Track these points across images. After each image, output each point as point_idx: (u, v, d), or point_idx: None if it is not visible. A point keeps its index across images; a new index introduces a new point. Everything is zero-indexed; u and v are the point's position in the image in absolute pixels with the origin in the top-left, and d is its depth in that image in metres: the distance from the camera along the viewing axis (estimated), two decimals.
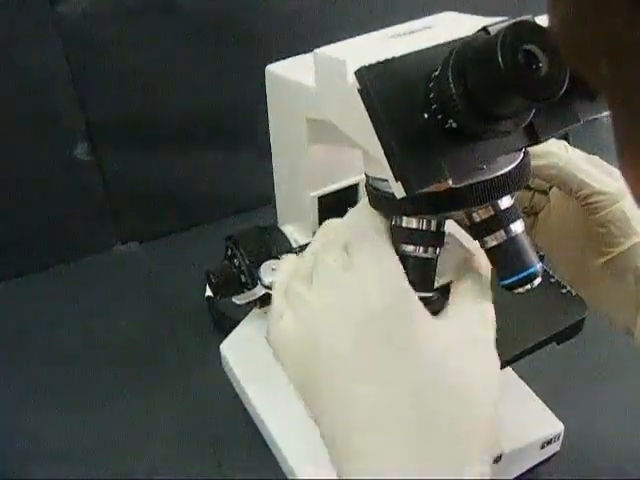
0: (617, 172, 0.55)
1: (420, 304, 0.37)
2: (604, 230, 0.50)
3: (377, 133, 0.33)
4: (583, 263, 0.52)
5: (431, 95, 0.33)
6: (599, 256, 0.51)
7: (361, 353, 0.36)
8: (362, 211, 0.42)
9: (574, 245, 0.53)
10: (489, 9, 0.42)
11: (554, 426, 0.63)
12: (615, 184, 0.50)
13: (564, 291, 0.53)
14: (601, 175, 0.50)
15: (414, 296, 0.37)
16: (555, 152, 0.50)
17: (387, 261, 0.38)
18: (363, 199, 0.42)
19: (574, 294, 0.53)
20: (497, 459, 0.59)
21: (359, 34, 0.43)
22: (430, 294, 0.44)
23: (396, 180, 0.33)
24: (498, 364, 0.38)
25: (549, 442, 0.63)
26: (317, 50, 0.42)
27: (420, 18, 0.43)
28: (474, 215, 0.41)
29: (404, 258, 0.42)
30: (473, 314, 0.39)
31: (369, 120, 0.33)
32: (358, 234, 0.40)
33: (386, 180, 0.39)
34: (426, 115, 0.33)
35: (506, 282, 0.41)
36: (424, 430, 0.34)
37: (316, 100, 0.44)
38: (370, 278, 0.37)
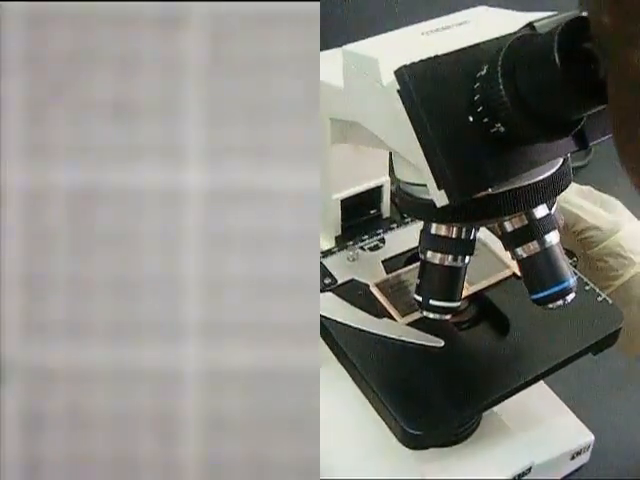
0: (612, 201, 0.54)
1: None
2: (603, 264, 0.50)
3: (419, 138, 0.31)
4: None
5: (476, 97, 0.30)
6: (602, 289, 0.51)
7: None
8: None
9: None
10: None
11: (584, 436, 0.61)
12: (609, 217, 0.50)
13: (600, 299, 0.51)
14: (595, 209, 0.50)
15: None
16: None
17: None
18: None
19: (610, 302, 0.51)
20: (527, 470, 0.57)
21: (388, 30, 0.40)
22: (457, 304, 0.42)
23: (439, 188, 0.31)
24: None
25: (579, 453, 0.61)
26: (345, 47, 0.39)
27: (456, 12, 0.41)
28: (506, 224, 0.39)
29: (431, 266, 0.40)
30: None
31: (408, 123, 0.31)
32: None
33: (420, 185, 0.37)
34: (471, 118, 0.31)
35: (537, 297, 0.39)
36: None
37: (343, 100, 0.42)
38: None
